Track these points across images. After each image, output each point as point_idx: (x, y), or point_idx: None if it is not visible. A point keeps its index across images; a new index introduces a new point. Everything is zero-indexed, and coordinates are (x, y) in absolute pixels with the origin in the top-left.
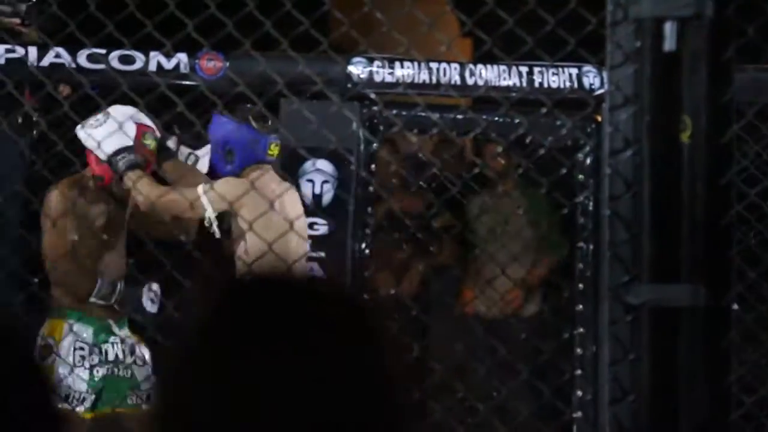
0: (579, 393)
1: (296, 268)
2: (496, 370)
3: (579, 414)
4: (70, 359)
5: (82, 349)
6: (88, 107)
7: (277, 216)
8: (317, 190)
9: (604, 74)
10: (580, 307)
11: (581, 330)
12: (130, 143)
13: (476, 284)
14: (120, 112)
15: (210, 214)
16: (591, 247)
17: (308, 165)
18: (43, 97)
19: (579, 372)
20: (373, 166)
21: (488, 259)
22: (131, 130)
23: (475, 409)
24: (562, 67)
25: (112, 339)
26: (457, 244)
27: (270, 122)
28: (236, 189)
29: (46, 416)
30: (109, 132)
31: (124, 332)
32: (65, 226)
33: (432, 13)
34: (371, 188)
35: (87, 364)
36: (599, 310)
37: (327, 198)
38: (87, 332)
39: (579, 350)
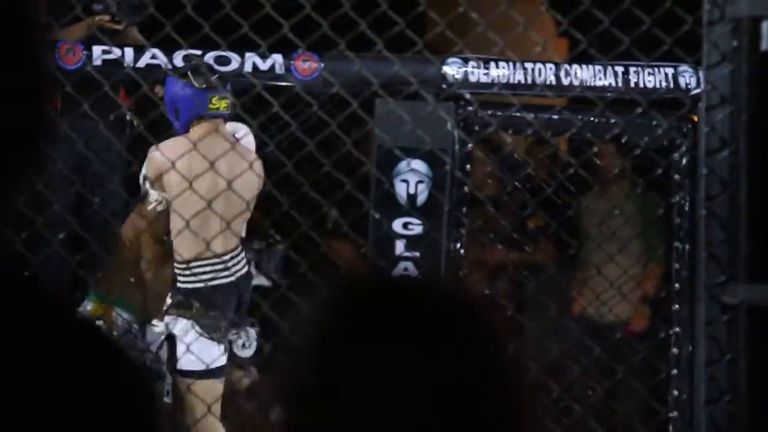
0: (675, 393)
1: (234, 226)
2: (592, 370)
3: (675, 414)
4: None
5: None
6: None
7: (213, 178)
8: (412, 190)
9: (701, 74)
10: (677, 306)
11: (677, 329)
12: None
13: (578, 285)
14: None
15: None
16: (687, 247)
17: (403, 165)
18: (139, 97)
19: (675, 372)
20: (468, 166)
21: (592, 260)
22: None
23: (571, 408)
24: (658, 66)
25: (154, 322)
26: (552, 244)
27: (211, 78)
28: (158, 164)
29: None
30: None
31: (161, 327)
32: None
33: (527, 14)
34: (466, 188)
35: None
36: (696, 310)
37: (421, 198)
38: (129, 318)
39: (675, 350)
